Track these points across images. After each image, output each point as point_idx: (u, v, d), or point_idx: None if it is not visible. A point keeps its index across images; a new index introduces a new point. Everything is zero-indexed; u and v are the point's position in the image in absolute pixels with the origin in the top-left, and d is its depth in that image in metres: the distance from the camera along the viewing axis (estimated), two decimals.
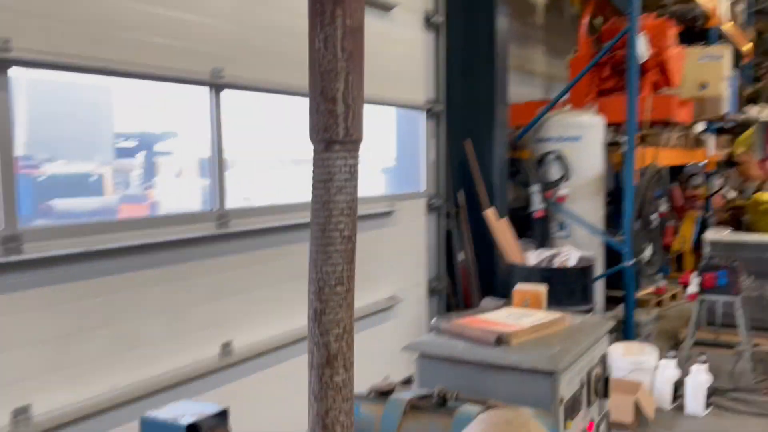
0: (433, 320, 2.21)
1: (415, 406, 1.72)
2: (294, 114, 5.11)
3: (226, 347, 4.20)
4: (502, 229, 6.68)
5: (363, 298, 5.51)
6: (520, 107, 7.97)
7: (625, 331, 6.94)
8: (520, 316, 2.27)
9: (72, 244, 3.35)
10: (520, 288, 2.41)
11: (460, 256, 6.94)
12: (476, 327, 2.08)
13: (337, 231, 0.82)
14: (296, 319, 4.55)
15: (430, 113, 6.49)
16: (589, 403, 2.08)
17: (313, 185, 0.83)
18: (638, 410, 5.20)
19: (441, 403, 1.73)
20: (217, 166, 4.16)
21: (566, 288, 6.05)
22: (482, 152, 6.88)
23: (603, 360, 2.18)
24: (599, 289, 7.14)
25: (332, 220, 0.82)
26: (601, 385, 2.10)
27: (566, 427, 1.92)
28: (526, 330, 2.07)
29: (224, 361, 4.13)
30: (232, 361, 4.19)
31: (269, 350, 4.47)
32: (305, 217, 4.72)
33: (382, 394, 1.81)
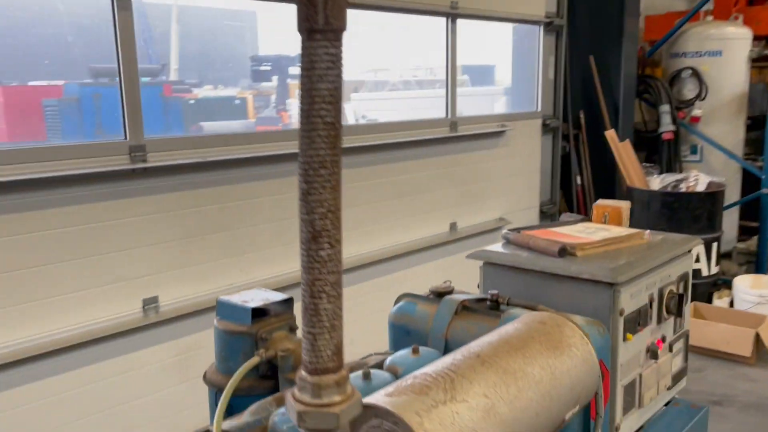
0: (503, 230, 2.23)
1: (467, 308, 1.79)
2: None
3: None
4: (624, 152, 6.35)
5: (468, 219, 5.55)
6: (657, 19, 7.35)
7: (756, 263, 6.47)
8: (595, 230, 2.22)
9: (191, 155, 3.65)
10: (601, 203, 2.35)
11: (578, 180, 6.72)
12: (543, 238, 2.08)
13: (319, 117, 0.89)
14: (412, 231, 4.83)
15: (550, 27, 6.17)
16: (659, 320, 2.03)
17: (299, 75, 0.89)
18: (758, 344, 4.92)
19: (494, 307, 1.79)
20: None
21: (691, 214, 5.71)
22: (607, 69, 6.49)
23: (682, 279, 2.11)
24: (731, 218, 6.66)
25: (315, 107, 0.88)
26: (674, 304, 2.04)
27: (626, 338, 1.91)
28: (595, 243, 2.04)
29: None
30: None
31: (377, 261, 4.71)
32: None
33: (440, 295, 1.89)
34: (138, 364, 3.54)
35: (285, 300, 1.78)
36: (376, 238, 4.78)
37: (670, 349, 2.13)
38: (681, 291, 2.08)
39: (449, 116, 5.33)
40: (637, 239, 2.10)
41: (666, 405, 2.19)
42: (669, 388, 2.14)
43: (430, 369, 1.23)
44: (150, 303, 3.56)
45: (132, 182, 3.46)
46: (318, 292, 0.91)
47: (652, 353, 2.01)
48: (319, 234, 0.90)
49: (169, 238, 3.62)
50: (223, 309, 1.76)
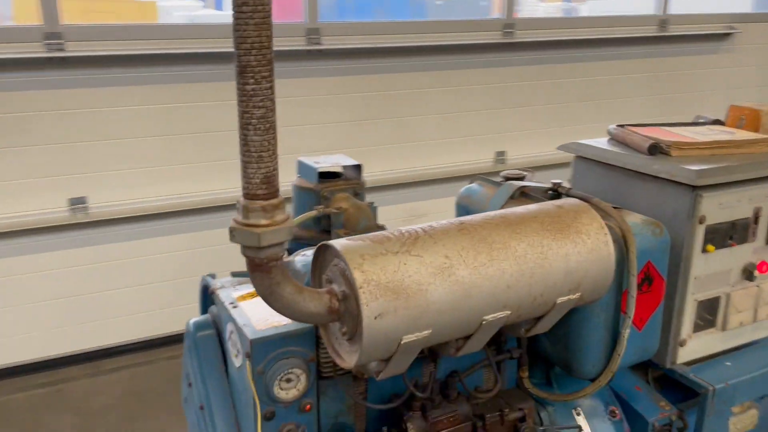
0: (611, 126, 2.07)
1: (525, 194, 1.76)
2: None
3: (500, 155, 4.44)
4: None
5: None
6: None
7: None
8: (718, 133, 1.96)
9: (362, 41, 3.83)
10: (738, 104, 2.05)
11: None
12: (641, 134, 1.89)
13: None
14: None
15: None
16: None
17: None
18: None
19: (554, 196, 1.73)
20: None
21: None
22: None
23: None
24: None
25: None
26: None
27: (706, 250, 1.71)
28: (699, 144, 1.81)
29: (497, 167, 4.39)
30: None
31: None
32: None
33: (508, 179, 1.87)
34: None
35: (355, 166, 1.91)
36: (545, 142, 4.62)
37: None
38: None
39: (660, 12, 4.78)
40: (758, 147, 1.82)
41: None
42: None
43: (408, 227, 1.29)
44: None
45: (309, 63, 3.76)
46: (245, 124, 1.03)
47: (748, 274, 1.79)
48: (244, 69, 1.00)
49: (330, 121, 3.90)
50: (301, 168, 1.95)
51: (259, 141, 1.03)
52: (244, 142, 1.04)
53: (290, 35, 3.69)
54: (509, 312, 1.28)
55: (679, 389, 1.84)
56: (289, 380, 1.37)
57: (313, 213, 1.79)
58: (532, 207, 1.41)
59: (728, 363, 1.83)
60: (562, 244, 1.32)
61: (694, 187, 1.63)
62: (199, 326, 1.59)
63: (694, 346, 1.79)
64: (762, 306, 1.85)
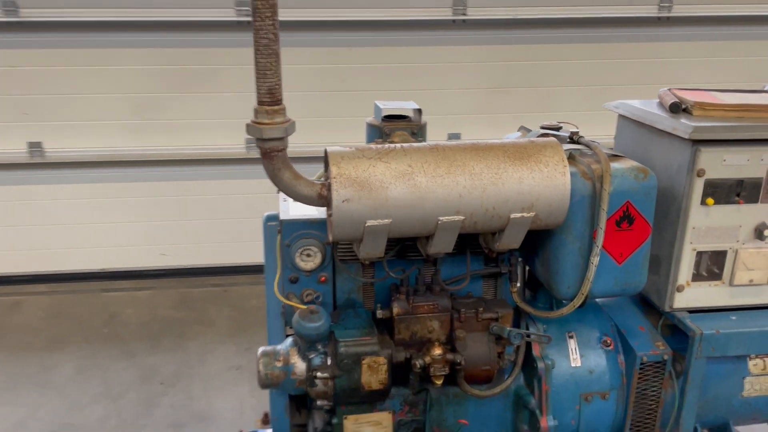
0: (662, 89, 2.17)
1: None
2: None
3: None
4: None
5: None
6: None
7: None
8: (763, 98, 1.98)
9: (505, 12, 4.09)
10: None
11: None
12: (677, 95, 1.98)
13: None
14: None
15: None
16: None
17: None
18: None
19: (570, 142, 1.96)
20: None
21: None
22: None
23: None
24: None
25: None
26: None
27: (705, 202, 1.79)
28: (726, 106, 1.88)
29: None
30: None
31: None
32: None
33: (543, 128, 2.10)
34: None
35: (417, 110, 2.29)
36: None
37: None
38: None
39: None
40: None
41: None
42: None
43: (392, 144, 1.66)
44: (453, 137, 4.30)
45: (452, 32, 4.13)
46: (256, 51, 1.49)
47: (759, 233, 1.84)
48: (254, 11, 1.46)
49: (474, 86, 4.23)
50: (375, 110, 2.37)
51: (264, 62, 1.48)
52: (256, 64, 1.50)
53: (435, 6, 4.08)
54: (463, 217, 1.59)
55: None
56: (309, 255, 1.83)
57: (372, 145, 2.21)
58: (509, 140, 1.69)
59: (734, 317, 1.91)
60: (518, 168, 1.60)
61: (694, 141, 1.75)
62: (268, 218, 2.10)
63: (695, 294, 1.90)
64: None
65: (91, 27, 4.01)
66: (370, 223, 1.57)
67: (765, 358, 2.03)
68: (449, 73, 4.19)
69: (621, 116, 2.14)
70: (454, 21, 4.10)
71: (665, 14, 4.19)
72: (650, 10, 4.19)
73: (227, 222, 4.47)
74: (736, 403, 2.06)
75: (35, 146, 4.29)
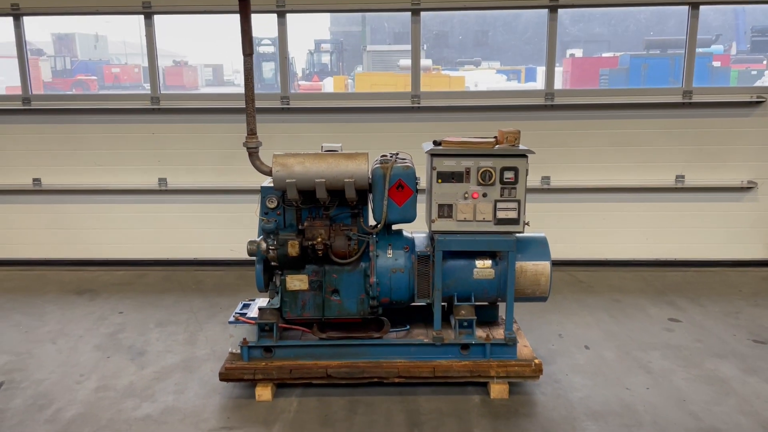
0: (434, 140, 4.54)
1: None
2: None
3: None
4: None
5: (705, 176, 6.59)
6: None
7: None
8: (484, 139, 4.33)
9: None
10: (505, 129, 4.38)
11: None
12: (445, 139, 4.35)
13: None
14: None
15: None
16: (479, 183, 4.17)
17: None
18: None
19: (392, 156, 4.40)
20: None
21: None
22: None
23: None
24: None
25: None
26: (485, 177, 4.15)
27: (438, 182, 4.12)
28: (455, 141, 4.23)
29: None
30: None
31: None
32: None
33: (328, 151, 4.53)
34: None
35: (340, 147, 4.80)
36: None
37: (496, 205, 4.14)
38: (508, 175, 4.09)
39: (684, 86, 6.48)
40: (484, 146, 4.17)
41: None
42: (495, 224, 4.17)
43: (316, 152, 4.18)
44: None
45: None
46: (246, 101, 4.09)
47: (464, 197, 4.15)
48: (247, 74, 4.07)
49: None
50: (322, 147, 4.90)
51: (251, 109, 4.07)
52: (246, 110, 4.09)
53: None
54: (324, 179, 4.05)
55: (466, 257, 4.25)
56: (271, 201, 4.32)
57: None
58: (346, 154, 4.16)
59: (458, 237, 4.20)
60: (346, 162, 4.05)
61: (431, 155, 4.13)
62: (265, 189, 4.62)
63: (440, 224, 4.20)
64: (477, 213, 4.16)
65: (200, 111, 6.89)
66: (288, 180, 4.06)
67: (485, 259, 4.27)
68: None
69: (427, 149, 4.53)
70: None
71: (549, 102, 6.51)
72: (538, 101, 6.54)
73: None
74: (471, 282, 4.29)
75: (162, 181, 7.12)
